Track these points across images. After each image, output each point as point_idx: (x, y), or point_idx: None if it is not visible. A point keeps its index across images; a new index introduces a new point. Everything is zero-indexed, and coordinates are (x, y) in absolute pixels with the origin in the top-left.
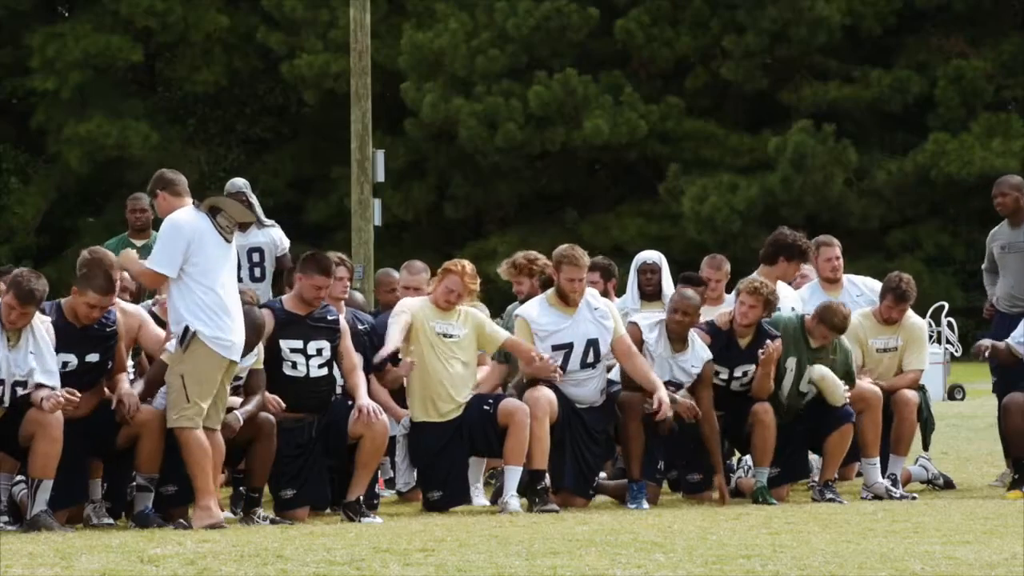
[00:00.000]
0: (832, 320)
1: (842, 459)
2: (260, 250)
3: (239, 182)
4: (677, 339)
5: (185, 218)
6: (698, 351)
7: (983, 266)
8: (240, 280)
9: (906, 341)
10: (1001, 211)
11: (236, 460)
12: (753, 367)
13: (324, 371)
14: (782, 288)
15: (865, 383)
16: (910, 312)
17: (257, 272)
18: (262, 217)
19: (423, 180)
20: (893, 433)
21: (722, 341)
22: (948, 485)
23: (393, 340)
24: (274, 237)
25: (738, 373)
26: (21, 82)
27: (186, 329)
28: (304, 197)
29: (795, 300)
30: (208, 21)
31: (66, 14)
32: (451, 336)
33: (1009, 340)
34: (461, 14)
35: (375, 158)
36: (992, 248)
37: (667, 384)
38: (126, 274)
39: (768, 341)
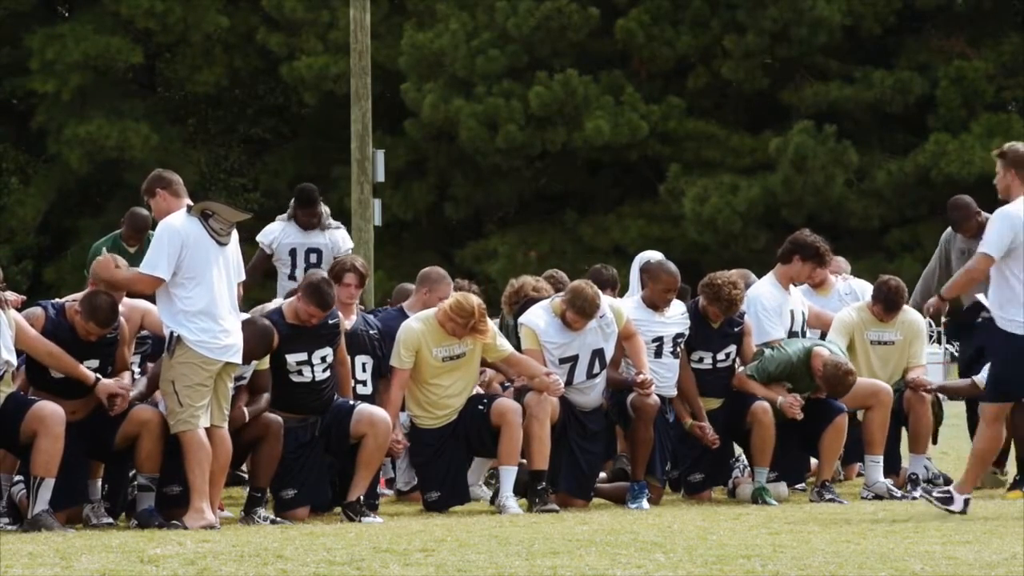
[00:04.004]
0: (836, 389)
1: (838, 455)
2: (318, 251)
3: (308, 187)
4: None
5: (179, 222)
6: (675, 306)
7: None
8: (294, 279)
9: (906, 336)
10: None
11: (239, 460)
12: (733, 347)
13: (327, 373)
14: (793, 292)
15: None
16: (907, 308)
17: None
18: (329, 220)
19: (423, 180)
20: (910, 431)
21: (697, 327)
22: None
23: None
24: (336, 239)
25: (721, 356)
26: (21, 83)
27: (171, 335)
28: None
29: (801, 303)
30: (208, 22)
31: (66, 15)
32: (456, 356)
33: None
34: (461, 14)
35: (375, 158)
36: (951, 252)
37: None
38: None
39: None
